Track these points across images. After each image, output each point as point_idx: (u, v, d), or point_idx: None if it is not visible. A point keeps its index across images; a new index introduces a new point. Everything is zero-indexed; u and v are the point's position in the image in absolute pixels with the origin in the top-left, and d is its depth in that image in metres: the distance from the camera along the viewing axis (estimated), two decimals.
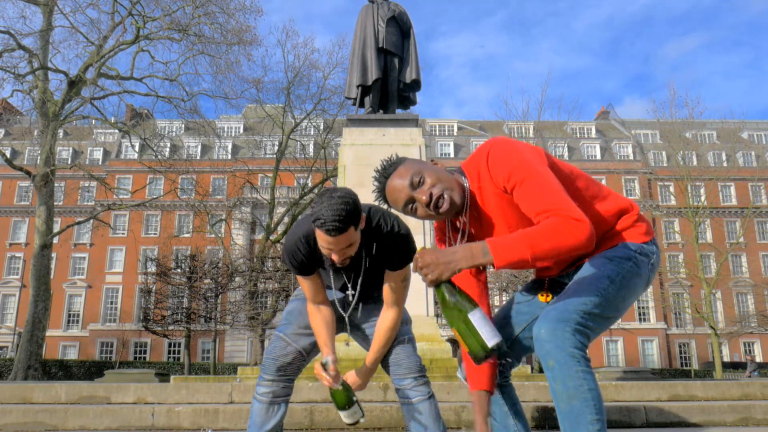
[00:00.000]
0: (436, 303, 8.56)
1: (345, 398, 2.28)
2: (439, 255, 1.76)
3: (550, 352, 1.75)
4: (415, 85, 9.15)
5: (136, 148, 30.52)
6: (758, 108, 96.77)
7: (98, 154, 47.59)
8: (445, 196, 1.92)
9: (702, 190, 32.42)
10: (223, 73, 23.84)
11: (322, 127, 33.83)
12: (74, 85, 21.13)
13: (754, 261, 44.84)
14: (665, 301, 37.70)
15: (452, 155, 48.32)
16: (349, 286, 2.40)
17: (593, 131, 51.01)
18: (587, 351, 1.79)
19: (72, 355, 42.01)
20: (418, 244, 8.59)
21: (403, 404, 2.33)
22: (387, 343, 2.36)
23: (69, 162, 35.37)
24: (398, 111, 9.25)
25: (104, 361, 36.44)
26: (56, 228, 24.13)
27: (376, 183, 2.06)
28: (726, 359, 39.80)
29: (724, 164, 39.87)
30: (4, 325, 43.21)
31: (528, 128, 37.89)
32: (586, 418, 1.71)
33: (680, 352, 43.92)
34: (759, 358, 43.49)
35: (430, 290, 8.07)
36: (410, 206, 1.98)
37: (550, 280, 2.15)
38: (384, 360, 2.39)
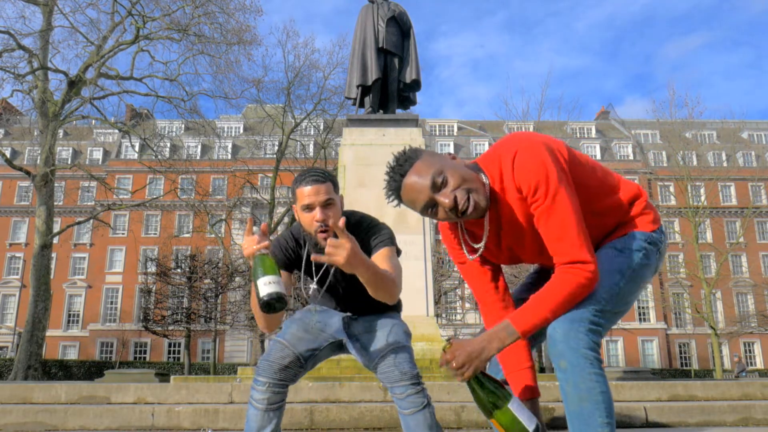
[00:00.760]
0: (436, 303, 8.58)
1: (271, 264, 1.96)
2: (469, 348, 1.78)
3: (563, 353, 1.73)
4: (415, 85, 9.16)
5: (136, 148, 30.52)
6: (759, 108, 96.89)
7: (98, 154, 47.60)
8: (471, 200, 1.80)
9: (702, 190, 32.43)
10: (223, 72, 23.86)
11: (322, 127, 33.85)
12: (74, 85, 21.13)
13: (754, 261, 44.85)
14: (665, 301, 37.73)
15: None
16: (337, 273, 2.37)
17: (593, 131, 51.03)
18: (600, 351, 1.77)
19: (72, 355, 42.02)
20: (418, 245, 8.58)
21: (399, 413, 2.25)
22: (381, 272, 2.14)
23: (69, 162, 35.38)
24: (398, 111, 9.26)
25: (104, 361, 36.48)
26: (56, 228, 24.13)
27: (390, 181, 1.86)
28: (726, 360, 39.82)
29: (724, 164, 39.88)
30: (4, 325, 43.22)
31: (528, 128, 37.89)
32: (596, 421, 1.69)
33: (680, 352, 43.92)
34: (759, 358, 43.51)
35: (430, 290, 8.06)
36: (430, 210, 1.84)
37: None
38: (377, 367, 2.27)
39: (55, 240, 24.61)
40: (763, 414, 4.47)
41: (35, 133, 24.39)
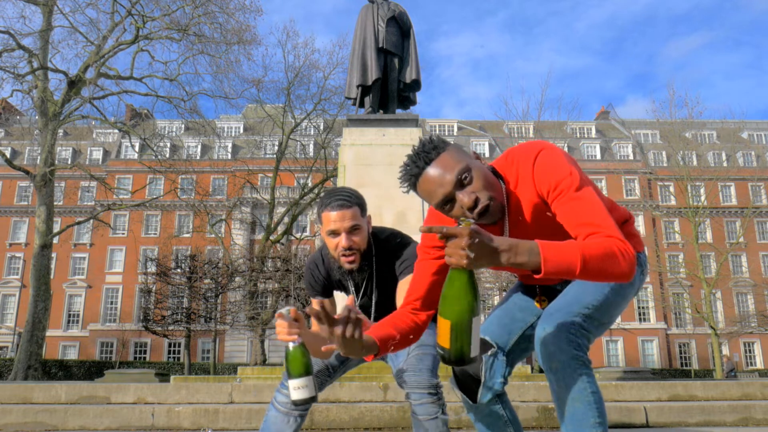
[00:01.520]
0: None
1: (301, 363, 1.87)
2: (489, 243, 1.48)
3: (553, 354, 1.72)
4: (415, 85, 9.16)
5: (136, 148, 30.52)
6: (759, 108, 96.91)
7: (98, 154, 47.59)
8: (491, 205, 1.72)
9: (702, 190, 32.40)
10: (223, 72, 23.88)
11: (322, 127, 33.85)
12: (74, 84, 21.13)
13: (754, 261, 44.85)
14: (665, 301, 37.72)
15: None
16: (367, 294, 2.37)
17: (593, 131, 51.03)
18: (588, 354, 1.78)
19: (72, 355, 42.01)
20: None
21: (412, 415, 2.25)
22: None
23: (69, 162, 35.36)
24: (398, 111, 9.26)
25: (104, 361, 36.46)
26: (56, 228, 24.13)
27: (412, 166, 1.72)
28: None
29: (724, 164, 39.86)
30: (4, 325, 43.20)
31: (528, 128, 37.91)
32: (588, 422, 1.69)
33: (680, 352, 43.92)
34: (759, 358, 43.52)
35: None
36: (448, 205, 1.73)
37: (542, 286, 2.07)
38: (401, 373, 2.23)
39: (55, 240, 24.61)
40: (763, 414, 4.47)
41: (35, 133, 24.40)
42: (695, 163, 34.93)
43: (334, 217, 2.16)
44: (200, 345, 40.86)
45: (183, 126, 41.70)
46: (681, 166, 30.19)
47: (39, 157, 21.01)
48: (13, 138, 43.74)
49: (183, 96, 23.39)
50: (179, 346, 40.91)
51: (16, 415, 4.32)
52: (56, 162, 22.65)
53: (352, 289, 2.37)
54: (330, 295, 2.43)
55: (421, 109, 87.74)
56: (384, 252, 2.27)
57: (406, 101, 9.33)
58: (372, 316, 2.38)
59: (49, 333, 24.88)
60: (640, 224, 43.62)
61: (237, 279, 27.89)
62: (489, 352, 1.98)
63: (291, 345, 1.90)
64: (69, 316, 44.25)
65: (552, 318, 1.77)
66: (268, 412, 2.26)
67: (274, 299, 27.42)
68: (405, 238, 2.37)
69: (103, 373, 13.08)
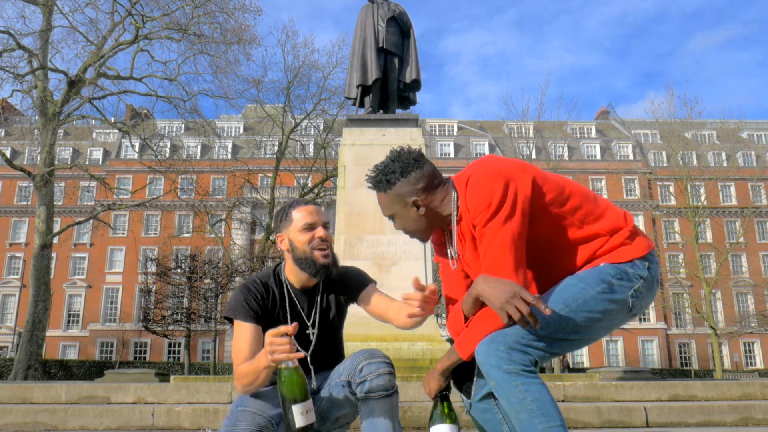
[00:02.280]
0: (439, 303, 8.55)
1: (304, 383, 1.74)
2: (430, 374, 2.01)
3: (488, 373, 1.77)
4: (415, 85, 9.16)
5: (136, 148, 30.52)
6: (765, 107, 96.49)
7: (98, 154, 47.61)
8: (416, 237, 2.13)
9: (702, 190, 32.42)
10: (222, 72, 23.88)
11: (322, 127, 33.85)
12: (74, 84, 21.12)
13: (754, 261, 44.86)
14: (665, 301, 37.72)
15: (452, 155, 48.34)
16: (309, 324, 2.20)
17: (593, 131, 51.04)
18: (533, 364, 1.77)
19: (72, 355, 42.02)
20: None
21: (362, 404, 1.98)
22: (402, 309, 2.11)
23: (69, 162, 35.36)
24: (398, 111, 9.26)
25: (104, 361, 36.48)
26: (56, 228, 24.13)
27: (373, 183, 2.08)
28: (726, 360, 39.85)
29: (724, 164, 39.87)
30: (4, 325, 43.22)
31: (528, 128, 37.91)
32: (537, 428, 1.71)
33: (680, 352, 43.93)
34: (759, 358, 43.53)
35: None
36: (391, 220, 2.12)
37: None
38: (342, 380, 2.02)
39: (55, 240, 24.62)
40: (763, 414, 4.47)
41: (35, 133, 24.40)
42: (695, 163, 34.97)
43: (310, 210, 2.18)
44: (200, 345, 40.87)
45: (183, 126, 41.71)
46: (681, 166, 30.21)
47: (39, 157, 21.01)
48: (13, 138, 43.75)
49: (183, 96, 23.42)
50: (179, 346, 40.91)
51: (16, 415, 4.32)
52: (56, 162, 22.64)
53: (290, 319, 2.18)
54: (260, 324, 2.09)
55: (428, 107, 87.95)
56: (328, 281, 2.26)
57: (406, 101, 9.33)
58: (312, 345, 2.21)
59: (49, 333, 24.89)
60: (640, 224, 43.62)
61: (237, 279, 27.88)
62: None
63: (290, 365, 1.75)
64: (69, 316, 44.26)
65: (487, 338, 1.82)
66: None
67: None
68: (347, 268, 2.36)
69: (103, 373, 13.08)
